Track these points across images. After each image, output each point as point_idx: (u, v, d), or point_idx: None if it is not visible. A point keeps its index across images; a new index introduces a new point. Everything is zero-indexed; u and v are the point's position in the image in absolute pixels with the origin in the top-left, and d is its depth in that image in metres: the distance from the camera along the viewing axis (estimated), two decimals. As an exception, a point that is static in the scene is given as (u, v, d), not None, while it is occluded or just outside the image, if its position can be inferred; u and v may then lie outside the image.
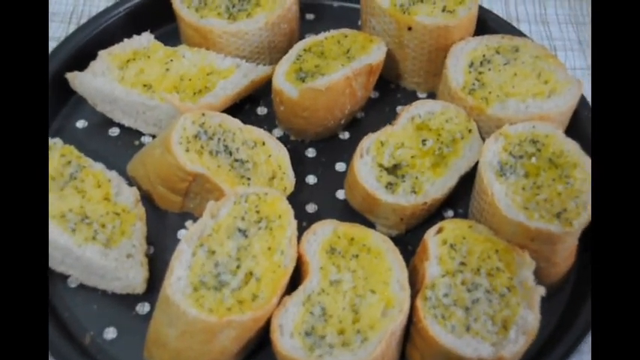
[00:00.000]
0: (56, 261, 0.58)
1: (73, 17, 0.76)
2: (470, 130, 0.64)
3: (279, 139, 0.66)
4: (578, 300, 0.59)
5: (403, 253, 0.56)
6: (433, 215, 0.64)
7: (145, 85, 0.65)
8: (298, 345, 0.51)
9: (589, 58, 0.78)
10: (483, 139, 0.63)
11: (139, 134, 0.68)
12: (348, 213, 0.64)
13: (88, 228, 0.57)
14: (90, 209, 0.58)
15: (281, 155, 0.64)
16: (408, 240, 0.62)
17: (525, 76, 0.66)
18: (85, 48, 0.70)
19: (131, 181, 0.64)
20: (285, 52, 0.68)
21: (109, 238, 0.57)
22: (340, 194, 0.66)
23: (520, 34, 0.72)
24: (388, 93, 0.73)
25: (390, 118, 0.66)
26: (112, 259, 0.56)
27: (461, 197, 0.64)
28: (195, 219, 0.58)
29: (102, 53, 0.68)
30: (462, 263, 0.55)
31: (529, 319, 0.52)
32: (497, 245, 0.56)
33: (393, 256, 0.55)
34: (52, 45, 0.70)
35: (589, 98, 0.69)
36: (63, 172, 0.60)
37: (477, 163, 0.61)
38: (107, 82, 0.66)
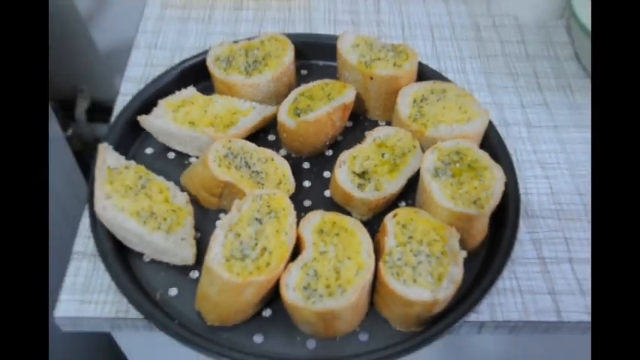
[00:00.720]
0: (134, 244, 0.59)
1: (142, 79, 0.77)
2: (414, 146, 0.65)
3: (284, 156, 0.67)
4: (488, 261, 0.60)
5: (370, 231, 0.57)
6: (391, 205, 0.64)
7: (190, 123, 0.66)
8: (299, 296, 0.52)
9: (494, 96, 0.79)
10: (424, 152, 0.63)
11: (188, 156, 0.69)
12: (332, 206, 0.64)
13: (154, 221, 0.58)
14: (155, 208, 0.59)
15: (285, 167, 0.65)
16: (374, 222, 0.62)
17: (451, 109, 0.66)
18: (150, 99, 0.70)
19: (183, 188, 0.64)
20: (286, 96, 0.68)
21: (169, 228, 0.58)
22: (327, 193, 0.66)
23: (447, 80, 0.72)
24: (358, 122, 0.73)
25: (360, 139, 0.65)
26: (171, 242, 0.57)
27: (410, 192, 0.65)
28: (226, 212, 0.58)
29: (161, 102, 0.69)
30: (410, 237, 0.56)
31: (455, 273, 0.53)
32: (434, 224, 0.57)
33: (362, 234, 0.56)
34: (128, 99, 0.71)
35: (495, 123, 0.70)
36: (137, 184, 0.60)
37: (419, 169, 0.62)
38: (165, 121, 0.66)
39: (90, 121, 1.25)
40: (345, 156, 0.63)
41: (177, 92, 0.70)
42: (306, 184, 0.67)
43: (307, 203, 0.65)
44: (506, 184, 0.60)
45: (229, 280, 0.51)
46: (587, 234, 0.65)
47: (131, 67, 0.80)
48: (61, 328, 0.58)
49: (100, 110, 1.25)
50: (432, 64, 0.78)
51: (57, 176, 1.05)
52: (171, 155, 0.69)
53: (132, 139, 0.70)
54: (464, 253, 0.55)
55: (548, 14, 0.90)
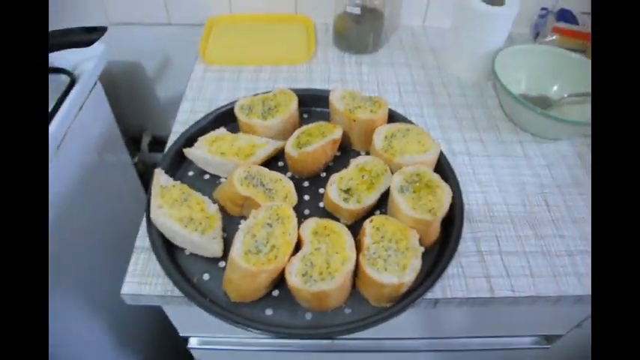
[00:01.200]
0: (178, 241, 0.57)
1: (188, 121, 0.75)
2: (386, 170, 0.63)
3: (289, 177, 0.65)
4: (440, 254, 0.58)
5: (353, 233, 0.55)
6: (369, 213, 0.62)
7: (221, 153, 0.64)
8: (299, 281, 0.50)
9: (444, 134, 0.77)
10: (393, 174, 0.62)
11: (219, 177, 0.67)
12: (325, 214, 0.62)
13: (193, 225, 0.56)
14: (194, 215, 0.57)
15: (290, 186, 0.63)
16: (356, 226, 0.59)
17: (413, 143, 0.65)
18: (192, 136, 0.69)
19: (214, 201, 0.62)
20: (292, 134, 0.67)
21: (203, 230, 0.56)
22: (321, 204, 0.64)
23: (410, 122, 0.71)
24: (345, 152, 0.71)
25: (346, 165, 0.64)
26: (205, 240, 0.56)
27: (383, 204, 0.63)
28: (246, 219, 0.55)
29: (200, 138, 0.67)
30: (382, 237, 0.54)
31: (416, 263, 0.52)
32: (400, 227, 0.55)
33: (347, 235, 0.54)
34: (177, 136, 0.70)
35: (445, 153, 0.69)
36: (181, 198, 0.59)
37: (389, 187, 0.60)
38: (203, 153, 0.65)
39: (151, 152, 1.24)
40: (334, 177, 0.62)
41: (212, 131, 0.68)
42: (306, 197, 0.65)
43: (307, 212, 0.63)
44: (453, 198, 0.58)
45: (247, 268, 0.49)
46: (512, 233, 0.64)
47: (180, 113, 0.79)
48: (125, 301, 0.57)
49: (158, 143, 1.25)
50: (399, 111, 0.77)
51: (125, 191, 1.04)
52: (206, 177, 0.67)
53: (179, 164, 0.68)
54: (422, 249, 0.53)
55: (480, 76, 0.89)
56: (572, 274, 0.59)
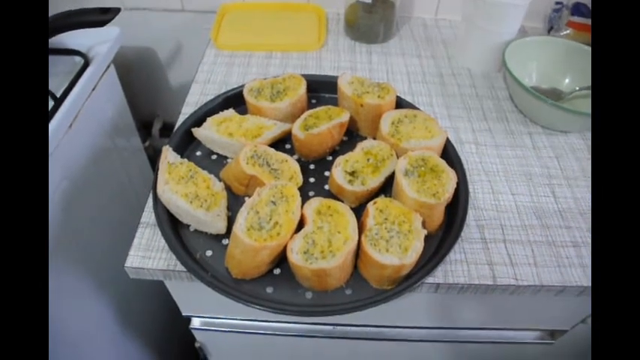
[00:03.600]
0: (183, 218, 0.57)
1: (197, 103, 0.75)
2: (391, 154, 0.62)
3: (296, 160, 0.65)
4: (444, 239, 0.58)
5: (357, 216, 0.55)
6: (373, 196, 0.61)
7: (229, 134, 0.64)
8: (300, 258, 0.50)
9: (453, 123, 0.76)
10: (398, 158, 0.61)
11: (226, 158, 0.67)
12: (330, 196, 0.61)
13: (198, 201, 0.56)
14: (199, 192, 0.57)
15: (296, 167, 0.62)
16: (360, 208, 0.59)
17: (419, 129, 0.64)
18: (202, 116, 0.68)
19: (220, 180, 0.62)
20: (299, 116, 0.66)
21: (208, 207, 0.56)
22: (326, 186, 0.64)
23: (417, 109, 0.69)
24: (352, 137, 0.70)
25: (352, 148, 0.63)
26: (209, 217, 0.55)
27: (387, 187, 0.62)
28: (250, 197, 0.55)
29: (209, 119, 0.67)
30: (386, 219, 0.54)
31: (418, 246, 0.51)
32: (404, 210, 0.55)
33: (350, 215, 0.54)
34: (185, 117, 0.70)
35: (453, 141, 0.69)
36: (187, 175, 0.59)
37: (394, 170, 0.59)
38: (211, 132, 0.65)
39: (161, 137, 1.25)
40: (340, 159, 0.61)
41: (220, 112, 0.68)
42: (311, 180, 0.65)
43: (311, 194, 0.63)
44: (458, 184, 0.58)
45: (249, 243, 0.49)
46: (517, 222, 0.63)
47: (191, 95, 0.79)
48: (129, 275, 0.57)
49: (169, 129, 1.26)
50: (408, 98, 0.76)
51: (135, 174, 1.05)
52: (214, 157, 0.67)
53: (187, 144, 0.68)
54: (425, 232, 0.52)
55: (490, 68, 0.88)
56: (577, 265, 0.58)
